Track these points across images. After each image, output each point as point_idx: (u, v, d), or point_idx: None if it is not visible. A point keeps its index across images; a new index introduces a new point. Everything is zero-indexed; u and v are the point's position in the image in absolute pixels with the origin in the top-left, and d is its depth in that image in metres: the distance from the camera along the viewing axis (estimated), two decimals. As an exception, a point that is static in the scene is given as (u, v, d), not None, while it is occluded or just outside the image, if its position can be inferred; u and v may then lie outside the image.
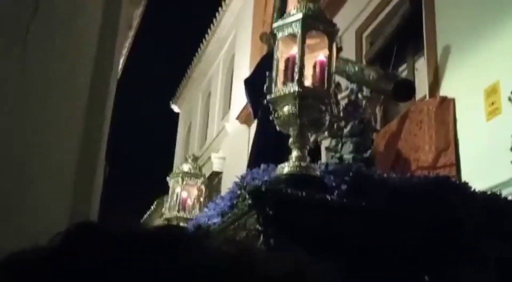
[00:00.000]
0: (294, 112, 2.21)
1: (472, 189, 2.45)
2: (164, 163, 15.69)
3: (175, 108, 16.52)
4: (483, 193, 2.50)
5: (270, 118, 2.33)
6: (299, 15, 2.28)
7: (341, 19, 6.91)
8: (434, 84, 4.99)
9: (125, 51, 7.06)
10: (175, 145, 16.19)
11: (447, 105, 4.69)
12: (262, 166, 2.39)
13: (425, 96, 5.20)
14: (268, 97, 2.30)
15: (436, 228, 2.23)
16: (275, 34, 2.36)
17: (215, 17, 13.15)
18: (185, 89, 15.69)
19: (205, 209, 2.92)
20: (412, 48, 5.73)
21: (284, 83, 2.27)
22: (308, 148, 2.26)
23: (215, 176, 11.34)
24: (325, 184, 2.16)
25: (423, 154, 4.59)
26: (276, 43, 2.36)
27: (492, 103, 4.36)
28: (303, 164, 2.18)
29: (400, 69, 5.95)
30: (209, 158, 11.53)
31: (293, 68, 2.25)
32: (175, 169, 4.38)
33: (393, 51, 5.82)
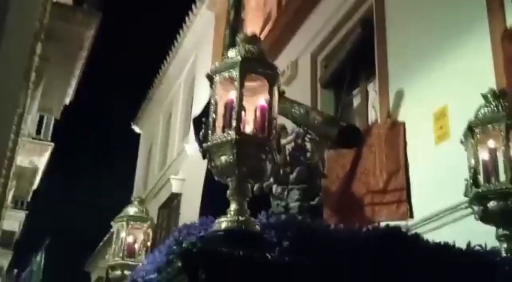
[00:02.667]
0: (232, 161, 2.04)
1: (424, 240, 2.30)
2: (125, 185, 15.48)
3: (136, 129, 16.37)
4: (436, 244, 2.32)
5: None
6: (238, 58, 2.14)
7: (296, 43, 7.00)
8: (385, 108, 5.05)
9: (78, 72, 6.93)
10: (135, 165, 16.02)
11: (397, 129, 4.73)
12: (200, 220, 2.24)
13: (376, 120, 5.25)
14: (204, 145, 2.13)
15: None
16: (213, 77, 2.20)
17: (176, 38, 13.08)
18: (146, 110, 15.56)
19: (144, 262, 2.75)
20: (365, 72, 5.80)
21: (223, 129, 2.11)
22: (248, 199, 2.08)
23: (175, 197, 11.24)
24: (265, 240, 2.00)
25: (373, 178, 4.61)
26: (214, 87, 2.19)
27: (441, 127, 4.42)
28: (241, 218, 2.01)
29: (354, 92, 6.02)
30: (169, 179, 11.43)
31: (231, 113, 2.09)
32: (120, 213, 4.00)
33: (346, 75, 5.88)
